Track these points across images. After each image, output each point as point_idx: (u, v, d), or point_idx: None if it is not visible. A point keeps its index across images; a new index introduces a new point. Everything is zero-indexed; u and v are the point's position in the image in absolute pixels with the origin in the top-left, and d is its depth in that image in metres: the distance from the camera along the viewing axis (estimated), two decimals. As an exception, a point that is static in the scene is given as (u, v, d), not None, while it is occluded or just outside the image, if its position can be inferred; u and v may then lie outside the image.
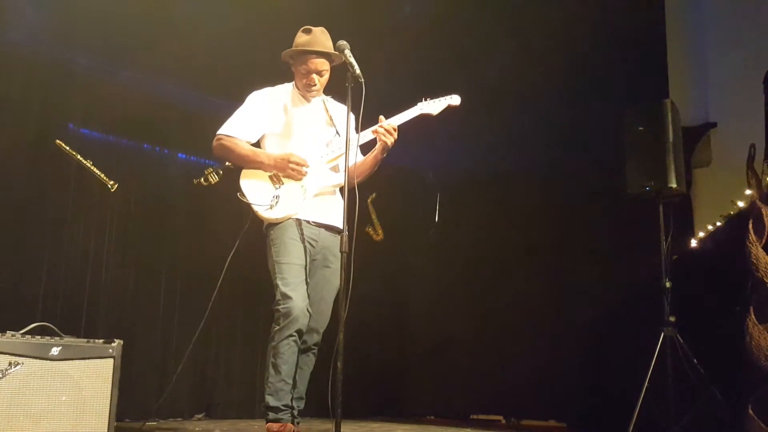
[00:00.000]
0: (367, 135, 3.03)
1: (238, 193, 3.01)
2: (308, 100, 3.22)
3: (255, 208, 3.00)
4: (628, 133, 3.79)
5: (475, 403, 5.48)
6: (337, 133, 3.18)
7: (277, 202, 3.00)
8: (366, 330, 5.30)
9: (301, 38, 3.13)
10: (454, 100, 3.17)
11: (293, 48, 3.12)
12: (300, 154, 3.05)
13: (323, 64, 3.10)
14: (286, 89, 3.25)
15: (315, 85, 3.14)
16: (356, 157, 3.11)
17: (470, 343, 5.56)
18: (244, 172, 3.09)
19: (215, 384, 5.07)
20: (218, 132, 3.12)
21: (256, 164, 3.06)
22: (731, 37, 4.57)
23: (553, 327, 5.03)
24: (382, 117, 3.05)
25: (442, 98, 3.16)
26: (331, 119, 3.22)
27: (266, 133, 3.17)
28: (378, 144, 3.07)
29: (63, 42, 4.47)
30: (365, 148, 3.20)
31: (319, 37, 3.11)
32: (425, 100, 3.15)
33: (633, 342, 3.97)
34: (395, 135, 3.03)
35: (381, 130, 3.00)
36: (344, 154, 2.78)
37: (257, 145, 3.17)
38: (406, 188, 6.11)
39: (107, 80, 4.71)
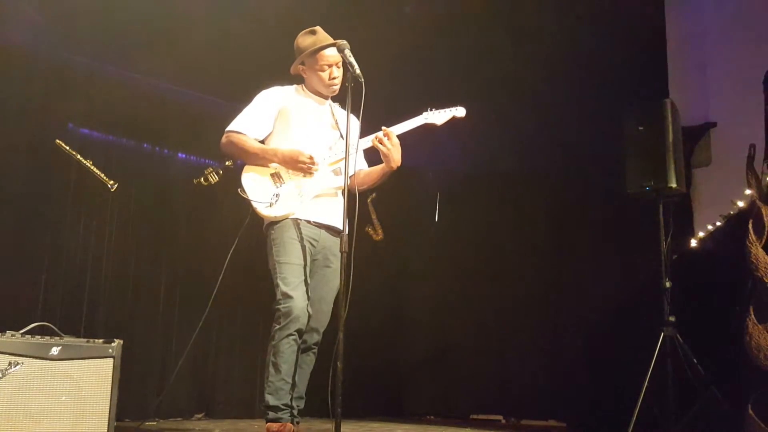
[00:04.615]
0: (366, 142, 3.06)
1: (238, 189, 3.02)
2: (319, 102, 3.25)
3: (254, 204, 3.01)
4: (628, 133, 3.79)
5: (475, 403, 5.48)
6: (341, 136, 3.19)
7: (276, 200, 3.01)
8: (366, 330, 5.29)
9: (308, 39, 3.14)
10: (459, 112, 3.20)
11: (303, 52, 3.13)
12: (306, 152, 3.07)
13: (338, 56, 3.08)
14: (295, 89, 3.27)
15: (337, 77, 3.16)
16: (356, 162, 3.13)
17: (470, 342, 5.56)
18: (246, 168, 3.09)
19: (215, 384, 5.07)
20: (227, 129, 3.14)
21: (264, 161, 3.07)
22: (731, 37, 4.57)
23: (553, 327, 5.03)
24: (384, 128, 3.07)
25: (447, 109, 3.19)
26: (337, 123, 3.24)
27: (273, 131, 3.18)
28: (382, 157, 3.09)
29: (63, 42, 4.47)
30: (370, 155, 3.21)
31: (325, 34, 3.15)
32: (430, 110, 3.18)
33: (633, 342, 3.97)
34: (392, 141, 3.04)
35: (377, 141, 3.04)
36: (345, 158, 2.81)
37: (262, 142, 3.19)
38: (406, 188, 6.11)
39: (107, 80, 4.71)
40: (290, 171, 3.07)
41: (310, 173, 3.05)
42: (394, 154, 3.06)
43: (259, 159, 3.07)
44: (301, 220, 3.05)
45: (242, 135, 3.10)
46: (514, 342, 5.26)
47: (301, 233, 3.03)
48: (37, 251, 4.29)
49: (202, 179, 4.15)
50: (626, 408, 3.33)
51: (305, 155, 3.03)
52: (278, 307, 2.95)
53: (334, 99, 3.31)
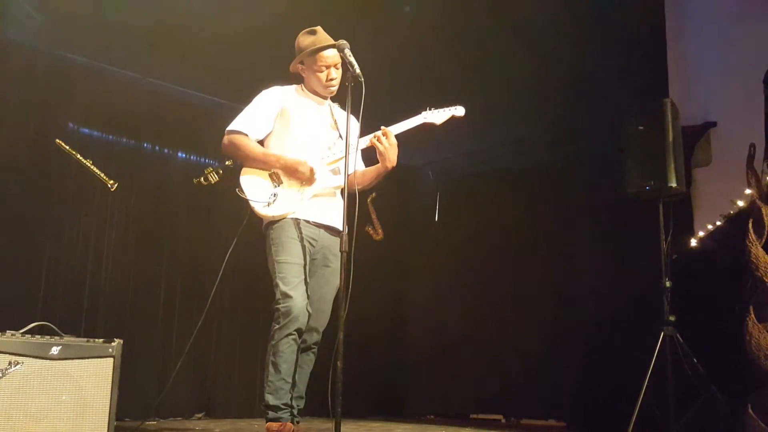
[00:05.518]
0: (365, 142, 3.06)
1: (237, 189, 3.02)
2: (318, 102, 3.25)
3: (252, 204, 3.01)
4: (628, 133, 3.79)
5: (475, 402, 5.48)
6: (340, 136, 3.19)
7: (274, 200, 3.02)
8: (366, 329, 5.30)
9: (307, 39, 3.14)
10: (459, 111, 3.21)
11: (302, 52, 3.13)
12: (302, 154, 3.07)
13: (337, 57, 3.10)
14: (295, 89, 3.27)
15: (334, 78, 3.16)
16: (356, 162, 3.15)
17: (470, 342, 5.57)
18: (244, 168, 3.10)
19: (215, 383, 5.07)
20: (228, 128, 3.14)
21: (267, 165, 3.07)
22: (731, 36, 4.57)
23: (553, 327, 5.03)
24: (383, 127, 3.07)
25: (446, 108, 3.19)
26: (336, 123, 3.24)
27: (272, 130, 3.18)
28: (378, 156, 3.09)
29: (63, 42, 4.47)
30: (366, 155, 3.21)
31: (325, 34, 3.15)
32: (429, 109, 3.18)
33: (633, 342, 3.97)
34: (389, 140, 3.04)
35: (375, 140, 3.04)
36: (344, 158, 2.81)
37: (262, 142, 3.19)
38: (406, 188, 6.11)
39: (107, 80, 4.71)
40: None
41: (308, 184, 3.05)
42: (391, 153, 3.05)
43: (261, 164, 3.08)
44: (300, 219, 3.05)
45: (243, 136, 3.11)
46: (514, 342, 5.26)
47: (300, 232, 3.03)
48: (37, 251, 4.29)
49: (202, 179, 4.13)
50: (626, 408, 3.33)
51: (308, 167, 3.03)
52: (278, 306, 2.95)
53: (334, 99, 3.31)
